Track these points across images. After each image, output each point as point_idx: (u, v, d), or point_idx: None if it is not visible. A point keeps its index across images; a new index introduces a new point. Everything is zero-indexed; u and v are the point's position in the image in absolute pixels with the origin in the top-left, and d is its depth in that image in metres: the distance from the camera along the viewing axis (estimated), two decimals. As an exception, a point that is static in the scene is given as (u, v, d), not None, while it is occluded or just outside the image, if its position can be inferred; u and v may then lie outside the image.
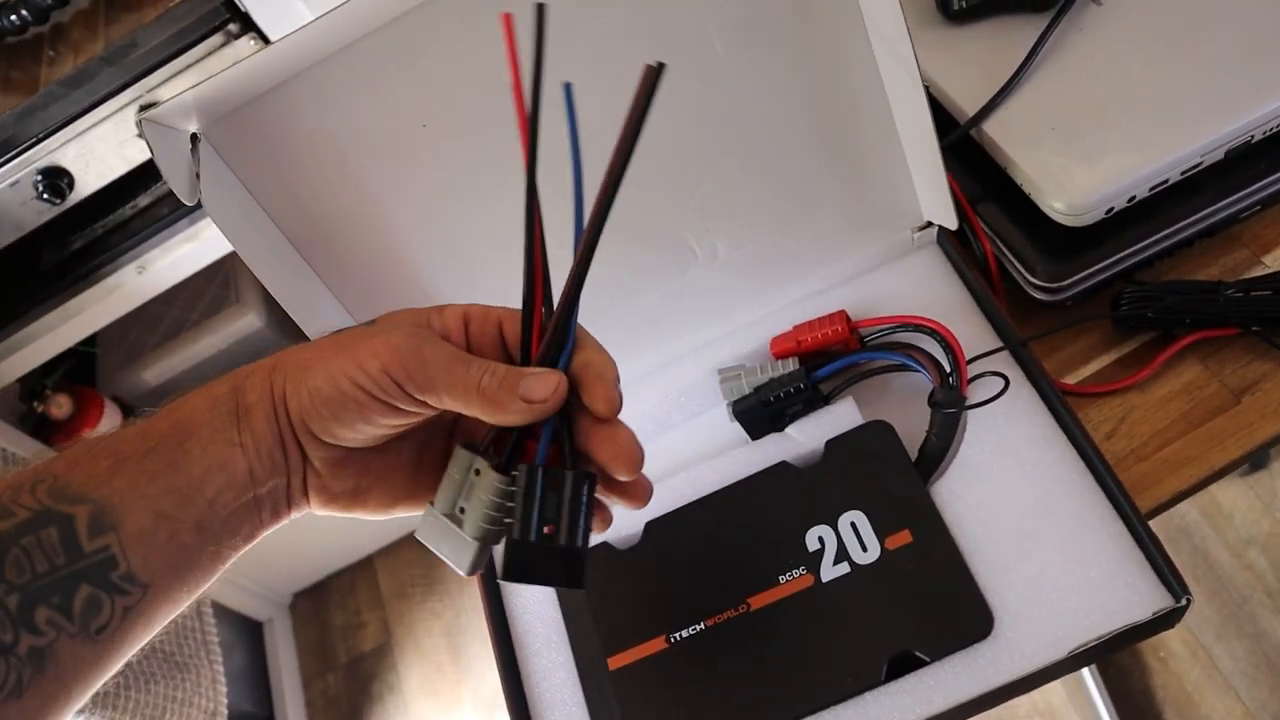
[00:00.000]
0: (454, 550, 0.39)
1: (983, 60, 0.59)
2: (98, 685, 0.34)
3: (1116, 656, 1.12)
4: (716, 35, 0.49)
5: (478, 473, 0.38)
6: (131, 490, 0.34)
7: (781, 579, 0.51)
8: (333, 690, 1.53)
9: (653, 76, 0.35)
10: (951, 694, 0.47)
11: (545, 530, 0.37)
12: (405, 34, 0.46)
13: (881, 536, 0.51)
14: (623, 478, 0.40)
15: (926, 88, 0.61)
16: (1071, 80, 0.57)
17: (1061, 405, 0.51)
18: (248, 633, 1.53)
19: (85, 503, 0.33)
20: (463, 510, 0.39)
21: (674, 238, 0.57)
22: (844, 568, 0.50)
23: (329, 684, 1.54)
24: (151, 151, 0.44)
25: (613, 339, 0.60)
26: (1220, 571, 1.12)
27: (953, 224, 0.56)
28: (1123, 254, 0.54)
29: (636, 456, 0.39)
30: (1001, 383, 0.52)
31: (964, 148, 0.60)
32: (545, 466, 0.37)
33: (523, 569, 0.37)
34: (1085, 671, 1.10)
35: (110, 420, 1.21)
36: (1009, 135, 0.56)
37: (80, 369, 1.32)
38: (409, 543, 1.62)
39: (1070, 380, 0.57)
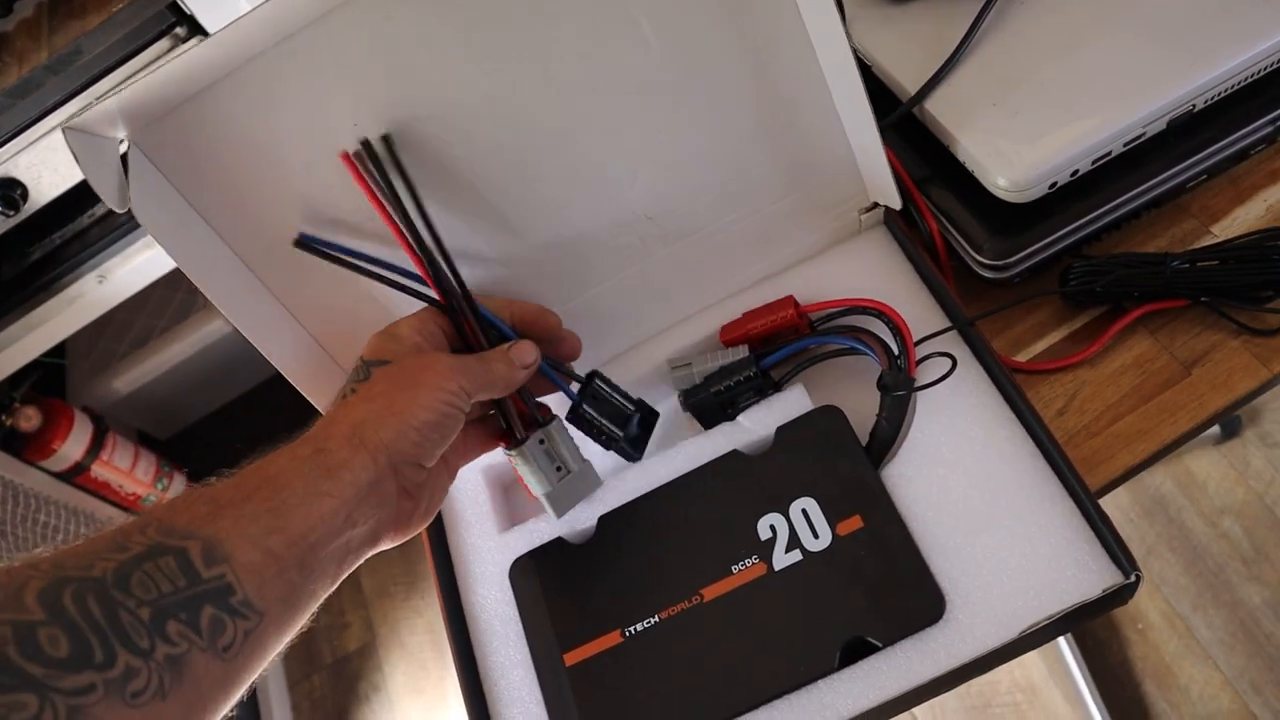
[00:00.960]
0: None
1: (924, 38, 0.59)
2: (226, 708, 0.35)
3: (1094, 629, 1.12)
4: (645, 20, 0.49)
5: (541, 441, 0.52)
6: (236, 529, 0.36)
7: (734, 569, 0.51)
8: (319, 691, 1.53)
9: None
10: (905, 679, 0.46)
11: (558, 471, 0.53)
12: (334, 30, 0.45)
13: (833, 522, 0.50)
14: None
15: (868, 67, 0.61)
16: (1012, 56, 0.56)
17: (1009, 384, 0.51)
18: (233, 638, 1.51)
19: (195, 539, 0.35)
20: (559, 466, 0.53)
21: (616, 230, 0.56)
22: (796, 555, 0.50)
23: (315, 685, 1.54)
24: (77, 161, 0.43)
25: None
26: (1196, 541, 1.12)
27: (896, 204, 0.55)
28: (1069, 228, 0.54)
29: (579, 343, 0.55)
30: (949, 363, 0.52)
31: (908, 127, 0.59)
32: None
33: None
34: (1064, 645, 1.10)
35: (81, 431, 1.20)
36: (950, 113, 0.55)
37: (49, 380, 1.31)
38: (391, 541, 1.61)
39: (1021, 358, 0.57)
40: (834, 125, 0.54)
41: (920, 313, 0.56)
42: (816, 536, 0.50)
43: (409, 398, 0.44)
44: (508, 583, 0.55)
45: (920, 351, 0.54)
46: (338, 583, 0.42)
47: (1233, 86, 0.53)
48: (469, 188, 0.52)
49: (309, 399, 0.54)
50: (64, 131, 0.44)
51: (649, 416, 0.57)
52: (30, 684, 0.29)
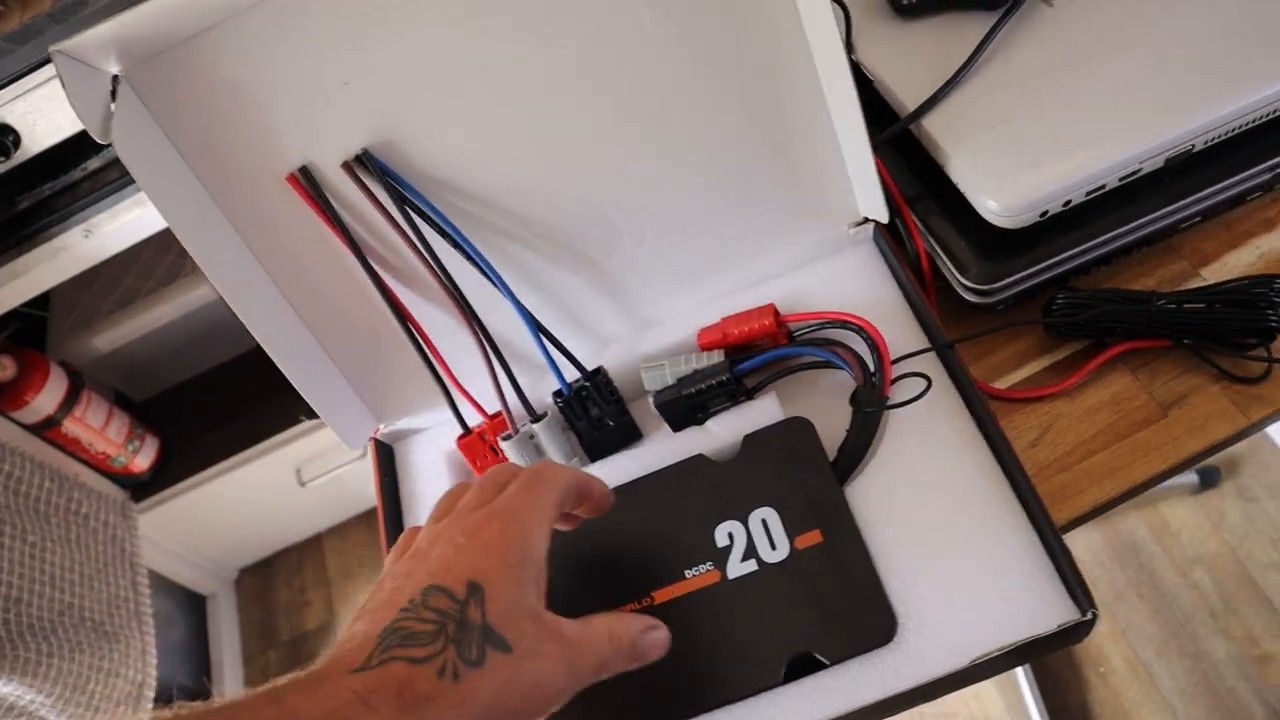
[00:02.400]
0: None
1: (929, 55, 0.58)
2: None
3: (1056, 669, 1.11)
4: (645, 7, 0.48)
5: (531, 437, 0.56)
6: None
7: (688, 574, 0.50)
8: (273, 667, 1.51)
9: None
10: (850, 699, 0.45)
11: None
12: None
13: (791, 535, 0.50)
14: None
15: (870, 81, 0.60)
16: (1015, 80, 0.56)
17: (983, 410, 0.50)
18: (190, 606, 1.50)
19: None
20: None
21: (600, 217, 0.55)
22: (751, 565, 0.49)
23: (270, 661, 1.52)
24: (63, 84, 0.43)
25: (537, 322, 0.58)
26: (1165, 589, 1.12)
27: (884, 218, 0.55)
28: (1056, 259, 0.53)
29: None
30: (924, 384, 0.51)
31: (905, 143, 0.58)
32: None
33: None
34: (1024, 683, 1.09)
35: (56, 385, 1.18)
36: (947, 132, 0.55)
37: (29, 332, 1.30)
38: (358, 523, 1.60)
39: (999, 385, 0.56)
40: (829, 136, 0.53)
41: (901, 332, 0.55)
42: (774, 548, 0.49)
43: (528, 668, 0.36)
44: (460, 570, 0.54)
45: (897, 370, 0.53)
46: None
47: (1234, 130, 0.52)
48: (442, 159, 0.51)
49: (264, 346, 0.53)
50: (53, 54, 0.43)
51: (631, 434, 0.58)
52: None
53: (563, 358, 0.56)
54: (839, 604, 0.47)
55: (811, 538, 0.49)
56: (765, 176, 0.55)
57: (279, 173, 0.51)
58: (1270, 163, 0.54)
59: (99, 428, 1.24)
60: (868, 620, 0.47)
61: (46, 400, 1.16)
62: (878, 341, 0.53)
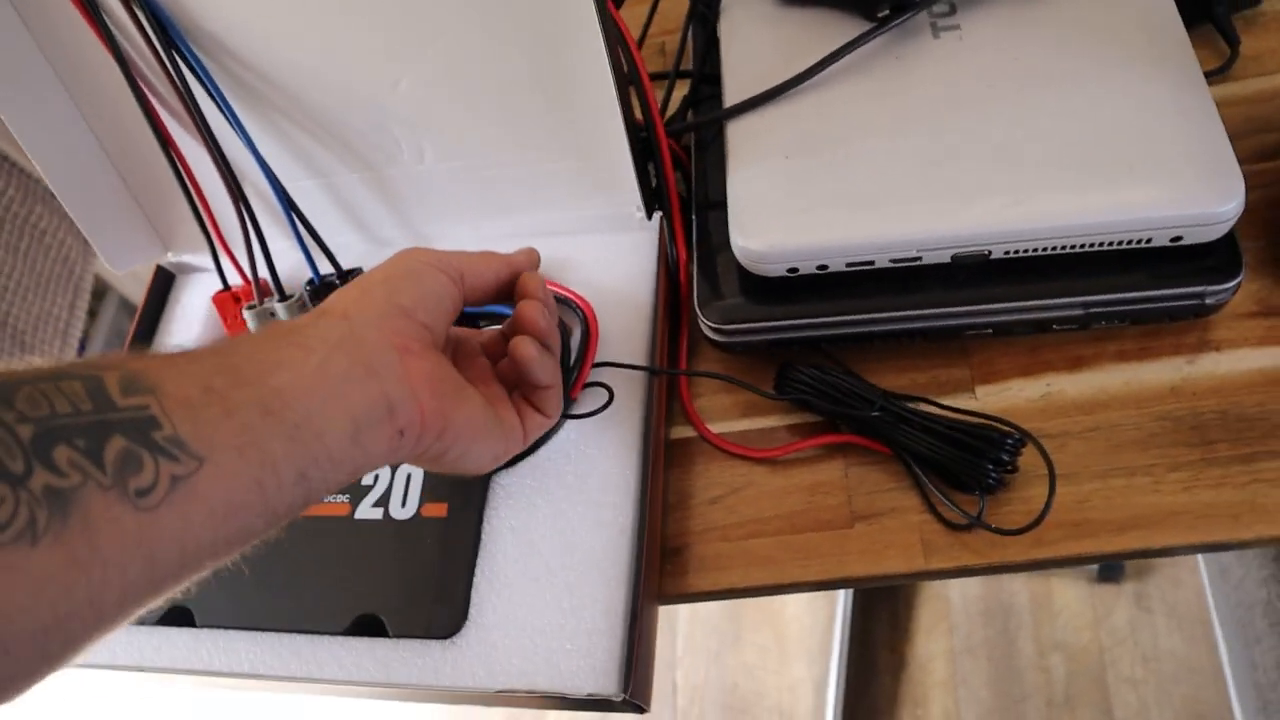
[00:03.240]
0: None
1: (783, 52, 0.51)
2: (146, 585, 0.27)
3: (876, 700, 1.08)
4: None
5: (272, 314, 0.56)
6: (170, 366, 0.29)
7: (325, 498, 0.50)
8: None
9: None
10: (389, 674, 0.46)
11: None
12: None
13: (423, 500, 0.49)
14: None
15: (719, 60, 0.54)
16: (844, 111, 0.48)
17: (651, 453, 0.47)
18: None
19: (113, 369, 0.27)
20: None
21: (378, 125, 0.53)
22: (378, 514, 0.49)
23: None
24: None
25: (304, 204, 0.56)
26: (1014, 661, 1.06)
27: (643, 211, 0.51)
28: (797, 323, 0.48)
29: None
30: (606, 398, 0.48)
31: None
32: None
33: None
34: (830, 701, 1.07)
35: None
36: (742, 145, 0.49)
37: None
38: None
39: (718, 427, 0.52)
40: (614, 111, 0.49)
41: (638, 336, 0.52)
42: (404, 505, 0.49)
43: (376, 270, 0.39)
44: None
45: (602, 375, 0.50)
46: (362, 467, 0.35)
47: (1037, 250, 0.45)
48: (218, 17, 0.49)
49: (29, 152, 0.53)
50: None
51: None
52: None
53: (317, 248, 0.55)
54: (427, 583, 0.47)
55: (438, 509, 0.49)
56: (551, 135, 0.51)
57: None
58: (1082, 299, 0.46)
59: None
60: (440, 610, 0.46)
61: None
62: (591, 337, 0.50)
